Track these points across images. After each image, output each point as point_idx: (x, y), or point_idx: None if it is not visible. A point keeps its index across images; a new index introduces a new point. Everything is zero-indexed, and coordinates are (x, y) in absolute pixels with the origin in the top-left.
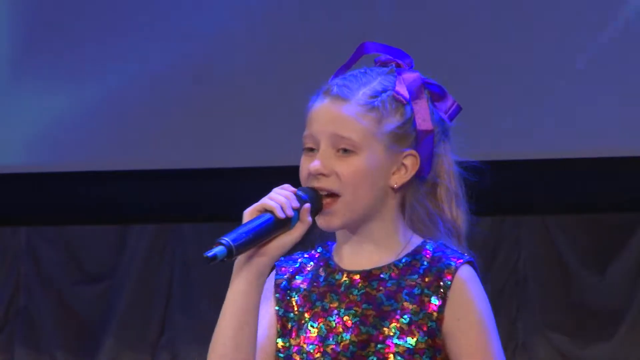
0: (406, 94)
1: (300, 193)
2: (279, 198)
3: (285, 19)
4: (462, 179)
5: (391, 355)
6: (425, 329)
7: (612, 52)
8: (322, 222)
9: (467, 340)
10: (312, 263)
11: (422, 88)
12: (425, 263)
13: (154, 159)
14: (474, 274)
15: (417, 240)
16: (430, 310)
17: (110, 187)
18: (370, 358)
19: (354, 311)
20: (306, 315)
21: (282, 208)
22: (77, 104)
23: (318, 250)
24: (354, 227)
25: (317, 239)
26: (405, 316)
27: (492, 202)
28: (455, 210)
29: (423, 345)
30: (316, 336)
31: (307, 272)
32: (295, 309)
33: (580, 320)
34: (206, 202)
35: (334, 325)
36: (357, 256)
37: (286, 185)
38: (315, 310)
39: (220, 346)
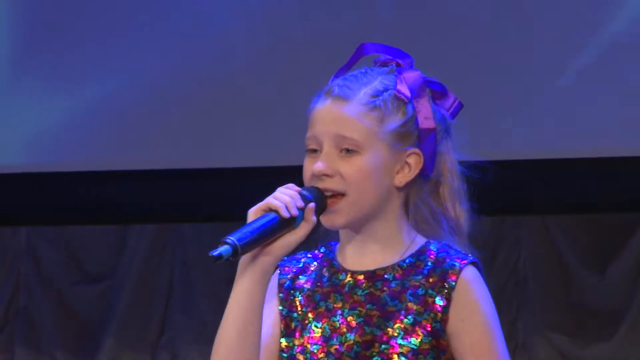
0: (407, 92)
1: (304, 192)
2: (284, 197)
3: (285, 19)
4: (464, 177)
5: (395, 356)
6: (429, 329)
7: (612, 52)
8: (326, 220)
9: (472, 341)
10: (315, 263)
11: (423, 86)
12: (429, 263)
13: (154, 159)
14: (478, 274)
15: (420, 241)
16: (434, 310)
17: (110, 187)
18: (375, 358)
19: (358, 311)
20: (310, 315)
21: (286, 207)
22: (77, 104)
23: (321, 250)
24: (358, 226)
25: (321, 239)
26: (410, 317)
27: (492, 202)
28: (458, 209)
29: (427, 346)
30: (320, 336)
31: (310, 272)
32: (299, 308)
33: (580, 320)
34: (206, 202)
35: (338, 325)
36: (360, 256)
37: (290, 185)
38: (319, 310)
39: (224, 345)
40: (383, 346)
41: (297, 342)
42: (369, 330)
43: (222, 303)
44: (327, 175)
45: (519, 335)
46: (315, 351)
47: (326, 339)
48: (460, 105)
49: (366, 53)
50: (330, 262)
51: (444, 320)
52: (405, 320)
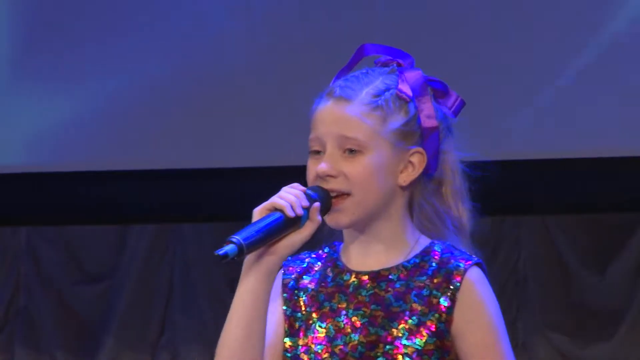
0: (409, 91)
1: (309, 192)
2: (289, 197)
3: (285, 19)
4: (465, 176)
5: (400, 356)
6: (433, 330)
7: (612, 52)
8: (330, 219)
9: (477, 342)
10: (319, 263)
11: (425, 85)
12: (433, 264)
13: (154, 159)
14: (482, 275)
15: (425, 241)
16: (439, 311)
17: (110, 187)
18: (379, 359)
19: (362, 312)
20: (314, 315)
21: (292, 207)
22: (77, 104)
23: (325, 251)
24: (362, 226)
25: (325, 239)
26: (414, 317)
27: (492, 202)
28: (460, 208)
29: (431, 347)
30: (324, 336)
31: (314, 272)
32: (303, 308)
33: (580, 320)
34: (206, 202)
35: (343, 325)
36: (365, 257)
37: (295, 184)
38: (324, 310)
39: (228, 345)
40: (387, 347)
41: (301, 342)
42: (373, 330)
43: (222, 303)
44: (331, 176)
45: (519, 335)
46: (320, 351)
47: (330, 339)
48: (463, 103)
49: (366, 54)
50: (334, 263)
51: (448, 321)
52: (410, 320)
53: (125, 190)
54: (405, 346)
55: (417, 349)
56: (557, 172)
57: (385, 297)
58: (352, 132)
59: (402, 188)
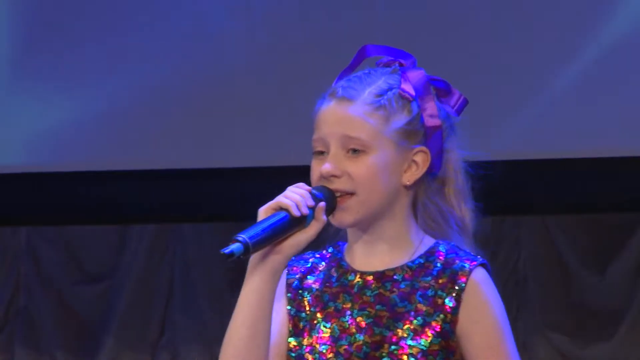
0: (412, 91)
1: (315, 192)
2: (294, 196)
3: (285, 19)
4: (468, 175)
5: (405, 357)
6: (438, 330)
7: (612, 52)
8: (334, 218)
9: (482, 342)
10: (323, 263)
11: (427, 85)
12: (438, 265)
13: (154, 159)
14: (487, 276)
15: (429, 241)
16: (444, 311)
17: (110, 187)
18: (384, 359)
19: (367, 312)
20: (318, 315)
21: (297, 206)
22: (77, 104)
23: (329, 250)
24: (366, 225)
25: (330, 239)
26: (419, 317)
27: (492, 202)
28: (463, 208)
29: (436, 347)
30: (329, 336)
31: (319, 272)
32: (307, 308)
33: (580, 320)
34: (206, 202)
35: (347, 326)
36: (369, 257)
37: (301, 184)
38: (328, 310)
39: (233, 344)
40: (392, 347)
41: (305, 342)
42: (378, 331)
43: (222, 303)
44: (335, 176)
45: (519, 335)
46: (324, 351)
47: (335, 339)
48: (465, 102)
49: (368, 55)
50: (339, 263)
51: (453, 322)
52: (415, 321)
53: (125, 190)
54: (410, 346)
55: (422, 349)
56: (557, 172)
57: (390, 298)
58: (355, 132)
59: (406, 187)
